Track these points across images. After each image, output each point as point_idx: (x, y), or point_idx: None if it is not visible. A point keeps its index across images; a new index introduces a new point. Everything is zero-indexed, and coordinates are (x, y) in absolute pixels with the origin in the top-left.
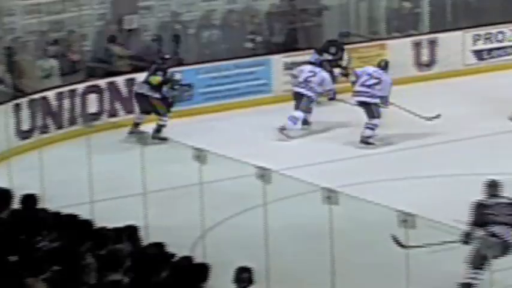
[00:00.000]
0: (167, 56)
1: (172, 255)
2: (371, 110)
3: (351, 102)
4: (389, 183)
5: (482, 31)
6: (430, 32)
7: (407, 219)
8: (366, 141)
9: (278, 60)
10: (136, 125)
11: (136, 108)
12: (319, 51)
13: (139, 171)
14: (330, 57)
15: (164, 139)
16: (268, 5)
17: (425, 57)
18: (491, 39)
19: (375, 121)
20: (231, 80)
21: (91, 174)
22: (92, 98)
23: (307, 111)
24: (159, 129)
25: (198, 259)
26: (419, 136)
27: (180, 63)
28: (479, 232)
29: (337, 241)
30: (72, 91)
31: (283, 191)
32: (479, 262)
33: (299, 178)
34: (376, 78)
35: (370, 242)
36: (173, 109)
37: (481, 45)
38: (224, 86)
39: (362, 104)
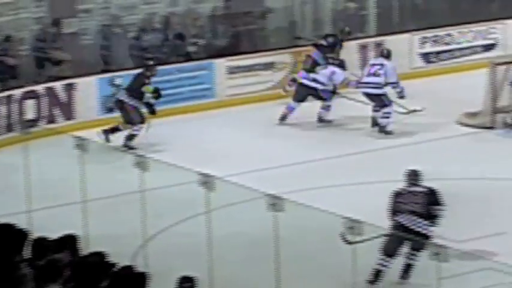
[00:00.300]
0: (151, 63)
1: (113, 265)
2: (380, 99)
3: (356, 99)
4: (335, 189)
5: (429, 33)
6: (376, 35)
7: (353, 226)
8: (384, 131)
9: (221, 64)
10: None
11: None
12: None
13: (78, 179)
14: (324, 43)
15: (133, 148)
16: (211, 8)
17: (372, 61)
18: (439, 41)
19: (387, 109)
20: (173, 85)
21: (28, 182)
22: (30, 103)
23: (326, 108)
24: (131, 137)
25: (139, 268)
26: (365, 141)
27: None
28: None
29: (282, 249)
30: (9, 97)
31: (227, 197)
32: (391, 250)
33: (243, 185)
34: (379, 64)
35: (316, 249)
36: (112, 115)
37: (428, 48)
38: (166, 91)
39: (370, 95)
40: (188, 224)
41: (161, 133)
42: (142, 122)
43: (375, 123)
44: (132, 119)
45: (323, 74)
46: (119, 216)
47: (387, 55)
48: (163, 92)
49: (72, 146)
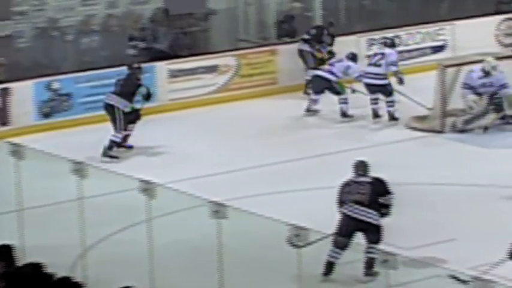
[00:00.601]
0: (136, 65)
1: (50, 276)
2: (385, 89)
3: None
4: (280, 195)
5: (377, 35)
6: None
7: (299, 234)
8: (392, 118)
9: (162, 68)
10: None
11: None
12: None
13: (13, 187)
14: (307, 36)
15: (115, 157)
16: (152, 10)
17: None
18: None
19: (391, 98)
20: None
21: None
22: None
23: (344, 102)
24: (111, 146)
25: (78, 279)
26: (311, 146)
27: None
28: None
29: (226, 257)
30: None
31: (169, 205)
32: (342, 242)
33: (185, 191)
34: (380, 53)
35: (260, 257)
36: (50, 121)
37: (376, 50)
38: (105, 96)
39: (370, 85)
40: (129, 232)
41: (100, 139)
42: (124, 129)
43: (376, 115)
44: (117, 122)
45: (339, 66)
46: (57, 225)
47: (390, 44)
48: (102, 97)
49: (7, 152)
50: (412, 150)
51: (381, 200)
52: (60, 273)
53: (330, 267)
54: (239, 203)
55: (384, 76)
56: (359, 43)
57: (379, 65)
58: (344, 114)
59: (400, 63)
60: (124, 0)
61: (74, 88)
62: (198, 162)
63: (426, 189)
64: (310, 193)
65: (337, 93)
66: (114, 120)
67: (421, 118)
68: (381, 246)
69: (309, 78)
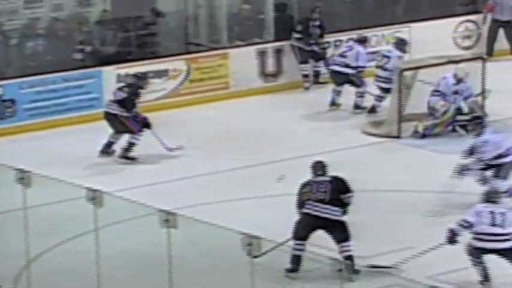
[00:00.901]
0: (140, 74)
1: None
2: (347, 78)
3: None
4: (232, 203)
5: (331, 38)
6: (275, 40)
7: (252, 243)
8: (360, 108)
9: (110, 72)
10: (110, 144)
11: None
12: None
13: None
14: (298, 35)
15: (133, 159)
16: (99, 13)
17: (270, 67)
18: (342, 46)
19: (361, 89)
20: (59, 95)
21: None
22: None
23: (360, 95)
24: (129, 147)
25: None
26: (263, 153)
27: None
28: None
29: (177, 268)
30: None
31: (117, 214)
32: (303, 234)
33: (134, 200)
34: (348, 46)
35: (212, 267)
36: None
37: (330, 53)
38: (51, 101)
39: (334, 72)
40: (75, 242)
41: (46, 146)
42: (141, 130)
43: (333, 103)
44: (130, 128)
45: (350, 56)
46: (1, 235)
47: (359, 40)
48: (48, 103)
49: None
50: (368, 156)
51: (342, 197)
52: (5, 284)
53: (297, 260)
54: (190, 212)
55: (347, 65)
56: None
57: (345, 56)
58: (357, 107)
59: None
60: (69, 3)
61: (18, 94)
62: (147, 169)
63: (383, 195)
64: (264, 201)
65: (357, 85)
66: (121, 126)
67: (377, 123)
68: (335, 254)
69: (305, 72)
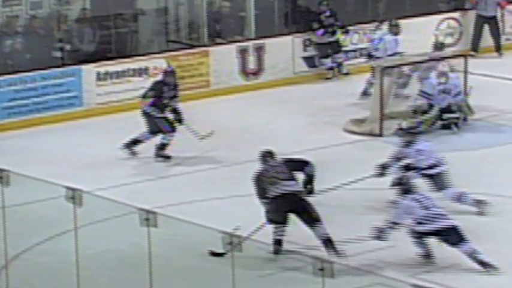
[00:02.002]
0: (169, 69)
1: None
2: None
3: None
4: (211, 202)
5: (313, 35)
6: (256, 38)
7: (233, 241)
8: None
9: (90, 71)
10: (136, 142)
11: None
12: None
13: None
14: (327, 13)
15: (168, 157)
16: (78, 10)
17: (251, 65)
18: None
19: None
20: (38, 93)
21: None
22: None
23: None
24: (162, 147)
25: None
26: (242, 151)
27: None
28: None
29: (157, 267)
30: None
31: (97, 213)
32: (281, 218)
33: (114, 199)
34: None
35: (192, 266)
36: None
37: (312, 52)
38: (29, 100)
39: None
40: (54, 242)
41: (25, 145)
42: (173, 130)
43: (365, 93)
44: (161, 128)
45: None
46: None
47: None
48: (27, 102)
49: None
50: (350, 154)
51: (304, 170)
52: None
53: (278, 244)
54: (170, 211)
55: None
56: (294, 44)
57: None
58: (365, 93)
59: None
60: (48, 1)
61: None
62: (127, 168)
63: (365, 194)
64: (245, 199)
65: None
66: (155, 125)
67: (359, 121)
68: (316, 252)
69: (329, 65)
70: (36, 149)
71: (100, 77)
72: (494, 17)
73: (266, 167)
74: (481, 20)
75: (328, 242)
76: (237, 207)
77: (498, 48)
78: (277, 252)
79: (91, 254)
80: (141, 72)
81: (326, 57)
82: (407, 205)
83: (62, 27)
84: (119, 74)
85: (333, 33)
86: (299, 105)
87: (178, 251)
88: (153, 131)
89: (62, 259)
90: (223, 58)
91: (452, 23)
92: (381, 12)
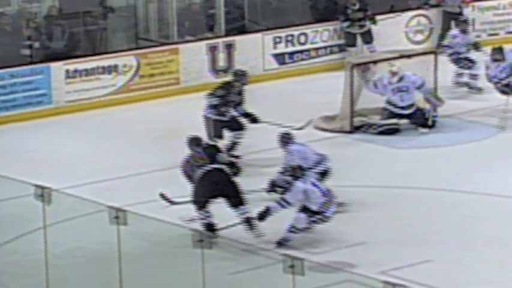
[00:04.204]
0: (240, 72)
1: None
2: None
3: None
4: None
5: (283, 33)
6: (226, 35)
7: (202, 239)
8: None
9: (59, 68)
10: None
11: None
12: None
13: None
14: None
15: (237, 157)
16: (47, 8)
17: (221, 63)
18: (293, 41)
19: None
20: (6, 91)
21: None
22: None
23: (473, 77)
24: (232, 146)
25: None
26: None
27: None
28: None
29: (127, 265)
30: None
31: (66, 211)
32: (202, 201)
33: (84, 197)
34: None
35: (163, 264)
36: None
37: (282, 49)
38: None
39: None
40: (23, 240)
41: None
42: (241, 128)
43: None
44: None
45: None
46: None
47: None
48: None
49: None
50: (321, 151)
51: (218, 159)
52: None
53: (210, 228)
54: (140, 208)
55: None
56: (264, 41)
57: None
58: (471, 87)
59: (307, 62)
60: None
61: None
62: (96, 166)
63: (335, 191)
64: None
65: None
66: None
67: (330, 118)
68: (286, 250)
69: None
70: (4, 147)
71: (69, 75)
72: (460, 13)
73: (193, 152)
74: (449, 17)
75: (250, 223)
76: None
77: None
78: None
79: (60, 252)
80: (111, 69)
81: (352, 46)
82: (305, 189)
83: (30, 24)
84: (88, 72)
85: (361, 26)
86: (269, 102)
87: (148, 248)
88: (218, 135)
89: (31, 257)
90: (193, 55)
91: (423, 20)
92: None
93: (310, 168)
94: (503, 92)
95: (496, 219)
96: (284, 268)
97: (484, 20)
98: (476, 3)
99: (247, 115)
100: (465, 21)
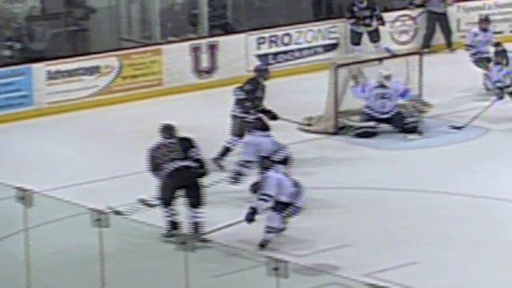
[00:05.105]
0: (263, 67)
1: None
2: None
3: None
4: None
5: (266, 33)
6: (209, 36)
7: (186, 241)
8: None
9: (40, 69)
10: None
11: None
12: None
13: None
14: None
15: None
16: (28, 8)
17: (205, 63)
18: (277, 42)
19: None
20: None
21: None
22: None
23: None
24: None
25: None
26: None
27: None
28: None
29: (109, 268)
30: None
31: (48, 213)
32: (167, 199)
33: (65, 199)
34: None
35: (145, 267)
36: None
37: (265, 49)
38: None
39: None
40: (4, 243)
41: None
42: (266, 129)
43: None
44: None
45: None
46: None
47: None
48: None
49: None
50: (305, 153)
51: (189, 153)
52: None
53: (174, 226)
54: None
55: None
56: (248, 42)
57: None
58: (487, 88)
59: (291, 62)
60: None
61: None
62: (78, 168)
63: (319, 193)
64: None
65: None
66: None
67: (314, 119)
68: (270, 252)
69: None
70: None
71: (51, 76)
72: (444, 13)
73: (161, 143)
74: (433, 16)
75: (197, 227)
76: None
77: (449, 44)
78: (172, 235)
79: (42, 255)
80: (93, 71)
81: (357, 44)
82: (278, 181)
83: (11, 25)
84: (70, 73)
85: (367, 25)
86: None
87: (130, 251)
88: (240, 134)
89: (12, 260)
90: (176, 56)
91: (407, 20)
92: (335, 10)
93: (267, 157)
94: None
95: (480, 221)
96: (268, 271)
97: (469, 21)
98: (462, 4)
99: (266, 112)
100: (486, 19)
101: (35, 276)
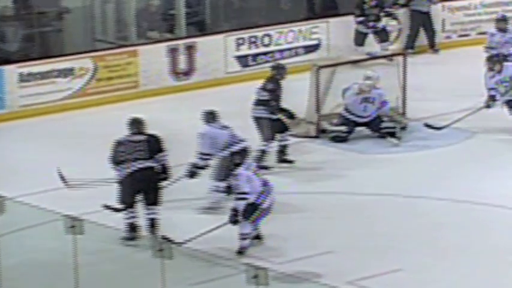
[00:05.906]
0: (279, 65)
1: None
2: None
3: None
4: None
5: (246, 34)
6: (187, 37)
7: (163, 248)
8: None
9: (12, 71)
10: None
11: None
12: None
13: None
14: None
15: (290, 161)
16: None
17: (182, 65)
18: (257, 43)
19: None
20: None
21: None
22: None
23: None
24: (282, 150)
25: None
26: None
27: None
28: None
29: (83, 276)
30: None
31: (20, 220)
32: (128, 200)
33: (37, 205)
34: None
35: (121, 275)
36: None
37: (245, 50)
38: None
39: None
40: None
41: None
42: (286, 129)
43: None
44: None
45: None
46: None
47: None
48: None
49: None
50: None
51: (156, 157)
52: None
53: (133, 229)
54: (97, 217)
55: None
56: (227, 43)
57: None
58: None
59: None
60: None
61: None
62: (52, 173)
63: (301, 198)
64: (174, 204)
65: None
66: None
67: (295, 123)
68: (249, 259)
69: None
70: None
71: (23, 78)
72: (427, 13)
73: (127, 138)
74: (418, 16)
75: (153, 224)
76: (166, 211)
77: (432, 44)
78: (131, 238)
79: (13, 264)
80: (67, 73)
81: (360, 45)
82: (248, 177)
83: None
84: (42, 75)
85: (373, 27)
86: (231, 106)
87: (105, 258)
88: (271, 137)
89: None
90: (152, 58)
91: (392, 20)
92: (317, 10)
93: (223, 149)
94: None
95: (466, 227)
96: (247, 279)
97: (454, 21)
98: (447, 3)
99: (283, 111)
100: (503, 19)
101: (8, 286)
